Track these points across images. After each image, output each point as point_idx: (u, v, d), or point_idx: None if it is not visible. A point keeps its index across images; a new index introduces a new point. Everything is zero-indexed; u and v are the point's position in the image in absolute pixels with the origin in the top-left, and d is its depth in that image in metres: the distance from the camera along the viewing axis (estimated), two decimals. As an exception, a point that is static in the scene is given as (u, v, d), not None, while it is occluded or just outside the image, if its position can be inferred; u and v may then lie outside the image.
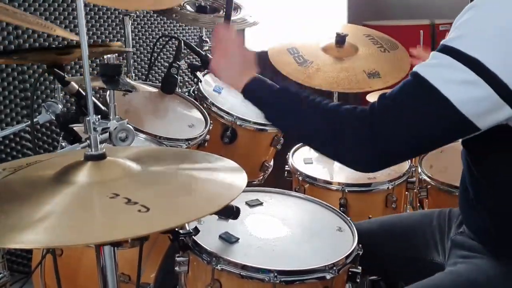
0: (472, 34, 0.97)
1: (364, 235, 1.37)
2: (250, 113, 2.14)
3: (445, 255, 1.34)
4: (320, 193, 1.88)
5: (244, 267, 1.19)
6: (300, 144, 2.20)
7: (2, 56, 1.52)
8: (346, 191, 1.88)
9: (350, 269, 1.27)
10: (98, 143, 0.95)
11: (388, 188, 1.90)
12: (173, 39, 2.71)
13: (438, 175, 1.91)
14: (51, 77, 2.19)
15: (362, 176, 1.94)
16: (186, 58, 2.17)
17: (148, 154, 1.11)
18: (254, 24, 2.25)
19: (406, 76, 1.07)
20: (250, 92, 1.24)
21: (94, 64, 2.30)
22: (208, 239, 1.27)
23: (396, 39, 2.15)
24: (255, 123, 2.09)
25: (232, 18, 1.39)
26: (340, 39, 2.04)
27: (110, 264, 1.03)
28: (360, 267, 1.30)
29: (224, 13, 1.41)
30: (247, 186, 0.94)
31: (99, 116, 0.97)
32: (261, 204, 1.49)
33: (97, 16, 2.49)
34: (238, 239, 1.30)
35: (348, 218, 1.42)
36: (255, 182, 2.25)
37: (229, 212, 1.27)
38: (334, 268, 1.21)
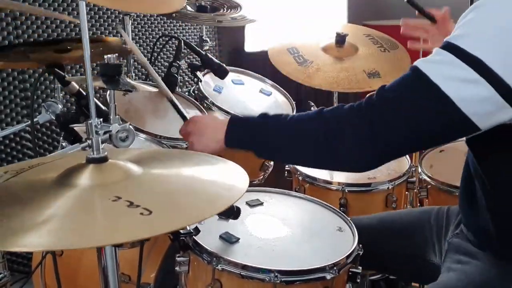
0: (476, 34, 0.97)
1: (363, 230, 1.37)
2: (251, 112, 2.14)
3: (442, 256, 1.34)
4: (320, 193, 1.88)
5: (244, 267, 1.19)
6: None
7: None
8: (346, 191, 1.88)
9: (350, 269, 1.28)
10: (100, 145, 0.95)
11: (388, 188, 1.90)
12: (173, 39, 2.71)
13: (438, 175, 1.91)
14: (51, 77, 2.19)
15: (362, 176, 1.94)
16: (186, 57, 2.17)
17: (150, 156, 1.11)
18: (252, 21, 2.25)
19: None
20: (231, 143, 1.25)
21: (94, 64, 2.29)
22: (208, 239, 1.27)
23: (396, 39, 2.15)
24: (255, 123, 2.09)
25: (186, 116, 1.47)
26: (340, 39, 2.04)
27: (111, 265, 1.03)
28: (360, 267, 1.30)
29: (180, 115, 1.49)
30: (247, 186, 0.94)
31: (101, 119, 0.97)
32: (261, 204, 1.49)
33: (97, 16, 2.49)
34: (239, 239, 1.30)
35: (348, 218, 1.43)
36: (255, 182, 2.25)
37: (230, 212, 1.27)
38: (335, 268, 1.21)
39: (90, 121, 0.93)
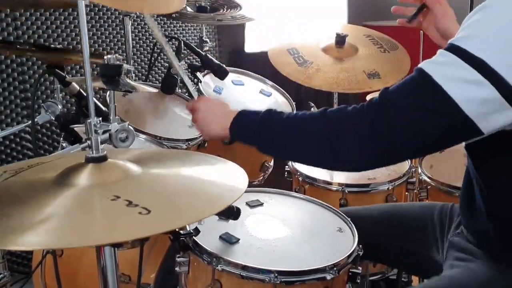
0: (480, 35, 0.97)
1: (361, 221, 1.38)
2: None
3: (444, 254, 1.34)
4: (320, 194, 1.88)
5: (244, 267, 1.19)
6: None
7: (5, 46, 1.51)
8: (346, 191, 1.88)
9: (350, 270, 1.27)
10: (99, 145, 0.95)
11: (388, 188, 1.90)
12: (173, 40, 2.71)
13: (438, 175, 1.91)
14: (52, 78, 2.19)
15: (362, 176, 1.94)
16: (186, 58, 2.17)
17: (149, 156, 1.12)
18: (251, 19, 2.25)
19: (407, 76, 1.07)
20: (236, 133, 1.25)
21: (94, 65, 2.30)
22: (208, 240, 1.27)
23: (396, 40, 2.15)
24: (255, 123, 2.09)
25: (194, 94, 1.46)
26: (340, 40, 2.04)
27: (110, 265, 1.03)
28: (360, 268, 1.30)
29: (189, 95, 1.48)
30: (247, 186, 0.94)
31: (100, 119, 0.98)
32: (261, 204, 1.49)
33: (97, 17, 2.49)
34: (239, 239, 1.30)
35: (348, 219, 1.42)
36: (255, 183, 2.25)
37: (230, 213, 1.27)
38: (335, 268, 1.21)
39: (89, 120, 0.93)
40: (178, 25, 2.93)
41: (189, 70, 2.11)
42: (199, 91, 1.57)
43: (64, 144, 1.54)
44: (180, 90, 2.16)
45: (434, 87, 0.97)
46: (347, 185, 1.88)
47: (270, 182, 2.18)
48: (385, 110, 1.04)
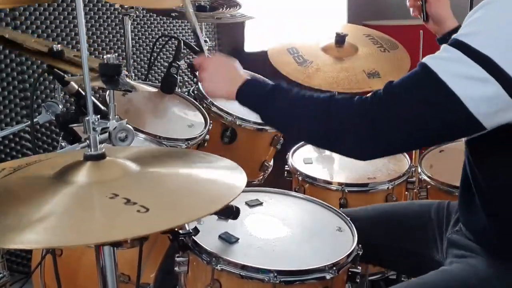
0: (485, 32, 0.97)
1: (361, 224, 1.37)
2: (250, 113, 2.14)
3: (444, 253, 1.33)
4: (320, 193, 1.88)
5: (244, 267, 1.18)
6: (300, 144, 2.20)
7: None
8: (346, 191, 1.88)
9: (350, 269, 1.27)
10: (98, 143, 0.95)
11: (388, 188, 1.90)
12: (173, 39, 2.71)
13: (438, 175, 1.91)
14: (51, 77, 2.19)
15: (362, 176, 1.94)
16: (185, 58, 2.17)
17: (148, 154, 1.11)
18: (251, 17, 2.25)
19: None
20: (243, 97, 1.25)
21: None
22: (208, 239, 1.27)
23: (396, 39, 2.15)
24: (255, 122, 2.09)
25: (205, 48, 1.46)
26: (340, 39, 2.03)
27: (109, 264, 1.02)
28: (359, 267, 1.30)
29: (198, 46, 1.47)
30: (247, 186, 0.94)
31: (99, 116, 0.97)
32: (261, 204, 1.49)
33: (97, 16, 2.48)
34: (238, 239, 1.30)
35: (348, 218, 1.42)
36: (255, 182, 2.25)
37: (229, 212, 1.27)
38: (334, 268, 1.21)
39: (87, 118, 0.93)
40: (177, 24, 2.93)
41: (189, 69, 2.11)
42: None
43: (63, 144, 1.54)
44: (179, 90, 2.16)
45: (439, 83, 0.97)
46: (347, 185, 1.88)
47: (270, 181, 2.19)
48: (388, 105, 1.03)
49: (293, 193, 1.62)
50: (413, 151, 2.04)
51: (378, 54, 2.06)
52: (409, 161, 2.03)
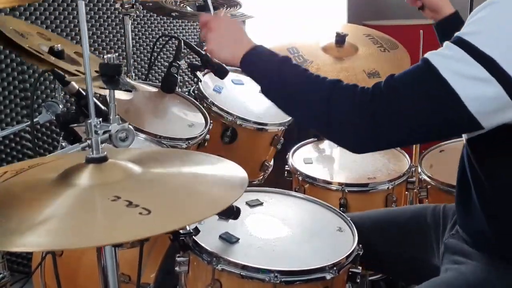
0: (489, 32, 0.96)
1: (357, 230, 1.37)
2: (250, 112, 2.14)
3: (441, 258, 1.33)
4: (320, 193, 1.88)
5: (244, 267, 1.19)
6: (300, 144, 2.20)
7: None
8: (346, 191, 1.88)
9: (350, 269, 1.28)
10: (100, 145, 0.95)
11: (388, 188, 1.90)
12: (173, 39, 2.71)
13: (438, 175, 1.91)
14: (51, 77, 2.19)
15: (362, 176, 1.94)
16: (186, 57, 2.17)
17: (149, 156, 1.11)
18: (250, 16, 2.25)
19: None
20: (248, 63, 1.20)
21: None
22: (208, 239, 1.27)
23: (396, 39, 2.14)
24: (255, 122, 2.09)
25: (211, 7, 1.41)
26: (340, 39, 2.03)
27: (111, 264, 1.03)
28: (360, 268, 1.30)
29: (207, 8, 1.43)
30: (247, 186, 0.94)
31: (101, 119, 0.97)
32: (261, 204, 1.49)
33: (97, 16, 2.49)
34: (239, 239, 1.30)
35: (348, 218, 1.43)
36: (255, 182, 2.26)
37: (230, 212, 1.27)
38: (334, 268, 1.21)
39: (89, 121, 0.93)
40: (178, 24, 2.93)
41: (189, 69, 2.11)
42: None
43: (63, 144, 1.54)
44: (180, 90, 2.16)
45: (440, 80, 0.97)
46: (347, 185, 1.88)
47: (270, 181, 2.19)
48: (389, 98, 1.02)
49: (293, 193, 1.62)
50: (413, 152, 2.04)
51: (378, 54, 2.06)
52: (409, 161, 2.03)
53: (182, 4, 2.18)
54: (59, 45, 1.55)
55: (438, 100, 0.98)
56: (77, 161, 0.94)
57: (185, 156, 1.17)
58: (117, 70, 1.24)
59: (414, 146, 2.01)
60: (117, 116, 1.24)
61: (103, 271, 1.02)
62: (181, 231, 1.24)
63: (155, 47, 2.61)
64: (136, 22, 2.68)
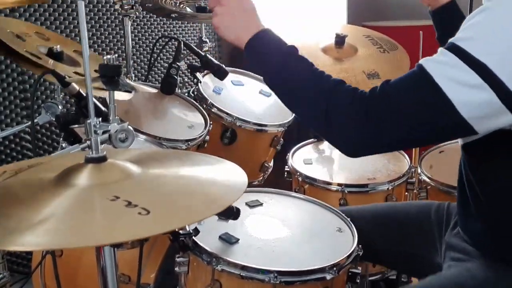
0: (482, 38, 0.97)
1: (359, 223, 1.37)
2: (250, 113, 2.15)
3: (443, 255, 1.33)
4: (320, 194, 1.88)
5: (244, 267, 1.19)
6: (300, 145, 2.21)
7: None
8: (346, 191, 1.88)
9: (350, 270, 1.28)
10: (99, 145, 0.95)
11: (388, 188, 1.90)
12: (173, 40, 2.71)
13: (438, 175, 1.91)
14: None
15: (361, 176, 1.95)
16: (185, 59, 2.17)
17: (149, 156, 1.11)
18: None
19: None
20: (253, 48, 1.17)
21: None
22: (208, 240, 1.27)
23: (396, 40, 2.15)
24: (254, 123, 2.10)
25: None
26: (340, 40, 2.04)
27: (110, 265, 1.03)
28: (359, 268, 1.30)
29: None
30: (247, 186, 0.94)
31: (100, 119, 0.98)
32: (261, 204, 1.49)
33: (97, 17, 2.49)
34: (238, 239, 1.30)
35: (348, 219, 1.43)
36: (255, 183, 2.26)
37: (229, 213, 1.27)
38: (334, 268, 1.21)
39: (88, 121, 0.93)
40: (177, 25, 2.93)
41: (189, 70, 2.11)
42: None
43: (63, 145, 1.54)
44: (179, 91, 2.17)
45: (433, 87, 0.98)
46: (347, 185, 1.89)
47: (270, 182, 2.19)
48: (383, 105, 1.03)
49: (293, 193, 1.62)
50: (413, 152, 2.04)
51: (377, 55, 2.06)
52: (409, 161, 2.03)
53: (181, 5, 2.18)
54: (58, 46, 1.56)
55: (432, 106, 0.99)
56: (77, 161, 0.95)
57: (184, 156, 1.17)
58: (117, 71, 1.24)
59: (413, 147, 2.01)
60: (116, 117, 1.24)
61: (102, 271, 1.03)
62: (180, 231, 1.24)
63: (155, 48, 2.62)
64: (135, 23, 2.68)
